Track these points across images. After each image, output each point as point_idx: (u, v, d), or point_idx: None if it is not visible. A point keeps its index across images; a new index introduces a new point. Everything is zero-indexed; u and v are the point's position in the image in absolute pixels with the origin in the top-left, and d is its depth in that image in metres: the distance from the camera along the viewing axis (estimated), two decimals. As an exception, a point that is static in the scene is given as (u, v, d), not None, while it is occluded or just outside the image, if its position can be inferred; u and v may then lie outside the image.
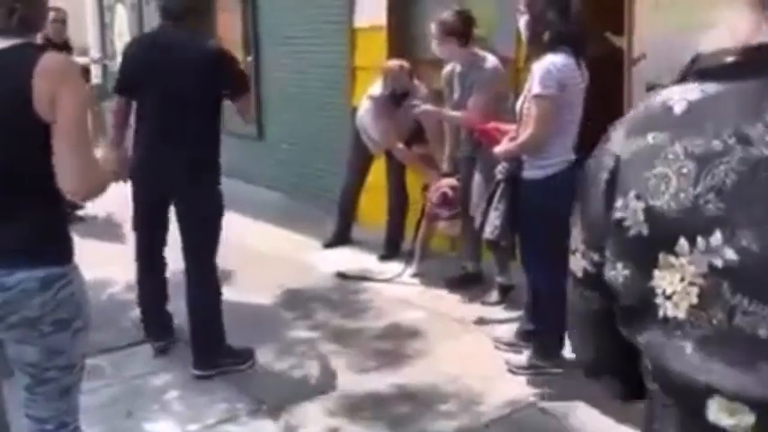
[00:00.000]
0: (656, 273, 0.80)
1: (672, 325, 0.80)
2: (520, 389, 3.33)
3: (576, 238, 0.93)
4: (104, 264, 4.32)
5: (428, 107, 4.42)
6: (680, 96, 0.82)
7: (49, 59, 1.88)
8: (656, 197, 0.80)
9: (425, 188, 4.70)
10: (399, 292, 4.59)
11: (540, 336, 3.48)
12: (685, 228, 0.78)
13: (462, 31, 4.17)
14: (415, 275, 4.79)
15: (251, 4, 7.16)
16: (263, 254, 5.27)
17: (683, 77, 0.86)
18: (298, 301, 4.46)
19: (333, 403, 3.26)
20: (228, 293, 4.55)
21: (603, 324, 0.93)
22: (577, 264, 0.94)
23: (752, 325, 0.75)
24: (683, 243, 0.78)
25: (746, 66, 0.79)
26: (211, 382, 3.46)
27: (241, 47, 7.41)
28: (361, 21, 5.77)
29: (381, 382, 3.45)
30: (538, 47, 3.23)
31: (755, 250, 0.74)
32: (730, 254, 0.75)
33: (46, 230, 1.97)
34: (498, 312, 4.23)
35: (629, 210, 0.82)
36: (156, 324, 3.76)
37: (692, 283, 0.78)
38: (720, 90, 0.80)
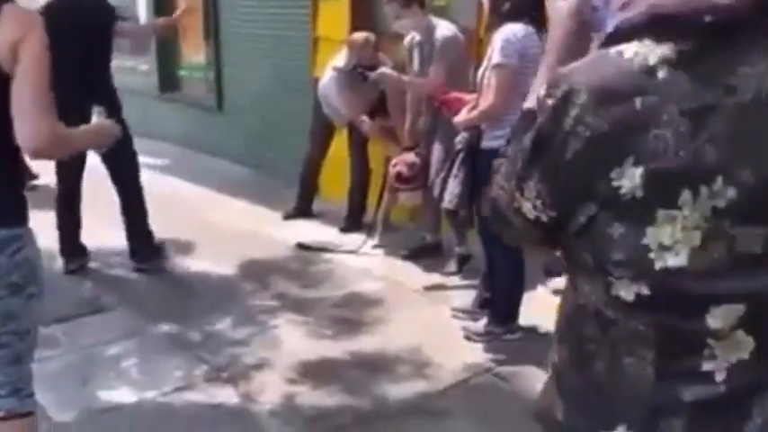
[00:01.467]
0: (650, 230, 0.85)
1: (671, 272, 0.85)
2: (476, 355, 3.39)
3: (532, 188, 0.95)
4: (57, 233, 4.25)
5: (386, 70, 4.40)
6: (657, 58, 0.85)
7: (11, 9, 1.82)
8: (656, 159, 0.84)
9: (388, 160, 4.70)
10: (359, 262, 4.60)
11: (497, 303, 3.54)
12: (687, 181, 0.83)
13: None
14: (376, 247, 4.82)
15: (211, -28, 7.02)
16: (223, 226, 5.22)
17: (631, 34, 0.88)
18: (258, 272, 4.45)
19: (291, 371, 3.27)
20: (189, 264, 4.54)
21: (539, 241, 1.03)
22: (529, 209, 0.97)
23: (748, 245, 0.83)
24: (686, 196, 0.83)
25: (720, 23, 0.84)
26: (169, 350, 3.45)
27: (201, 15, 7.29)
28: (323, -10, 5.70)
29: (339, 349, 3.47)
30: (498, 17, 3.24)
31: (751, 183, 0.82)
32: (731, 192, 0.82)
33: (2, 191, 1.93)
34: (456, 281, 4.28)
35: (627, 176, 0.85)
36: (73, 246, 4.31)
37: (695, 228, 0.84)
38: (698, 47, 0.85)
